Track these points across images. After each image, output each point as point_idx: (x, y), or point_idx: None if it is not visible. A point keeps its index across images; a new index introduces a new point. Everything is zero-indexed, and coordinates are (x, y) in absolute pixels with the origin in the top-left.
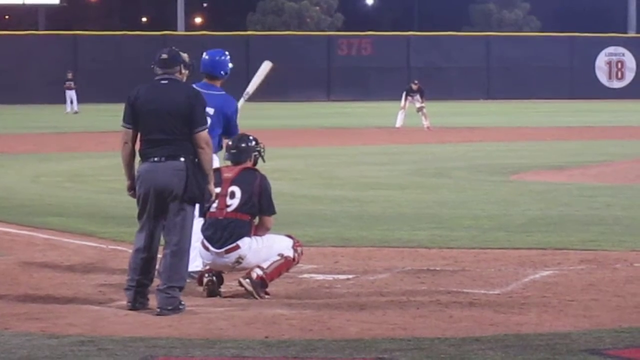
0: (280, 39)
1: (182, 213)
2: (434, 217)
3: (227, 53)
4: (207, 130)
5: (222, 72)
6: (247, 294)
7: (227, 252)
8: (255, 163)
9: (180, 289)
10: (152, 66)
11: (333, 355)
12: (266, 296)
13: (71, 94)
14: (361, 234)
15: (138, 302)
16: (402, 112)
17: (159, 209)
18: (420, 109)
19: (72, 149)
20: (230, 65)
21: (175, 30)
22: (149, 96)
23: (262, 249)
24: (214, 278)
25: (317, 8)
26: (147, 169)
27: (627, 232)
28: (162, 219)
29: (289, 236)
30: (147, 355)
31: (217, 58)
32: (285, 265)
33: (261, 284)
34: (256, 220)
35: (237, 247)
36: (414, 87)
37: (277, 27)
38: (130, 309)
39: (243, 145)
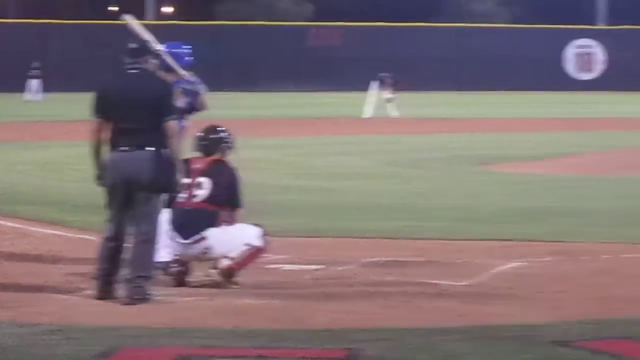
0: (250, 28)
1: (151, 203)
2: (405, 208)
3: (189, 46)
4: (174, 119)
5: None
6: (216, 284)
7: (194, 242)
8: (225, 154)
9: (148, 278)
10: (121, 55)
11: (301, 345)
12: (234, 286)
13: (34, 83)
14: (331, 225)
15: (106, 291)
16: (370, 102)
17: (128, 198)
18: (389, 100)
19: (42, 137)
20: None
21: (145, 19)
22: (119, 85)
23: (229, 239)
24: (182, 268)
25: None
26: (116, 158)
27: (596, 224)
28: (130, 209)
29: (257, 225)
30: (115, 345)
31: (175, 50)
32: (253, 254)
33: (229, 274)
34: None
35: (204, 237)
36: (388, 79)
37: (247, 17)
38: (99, 298)
39: (214, 136)
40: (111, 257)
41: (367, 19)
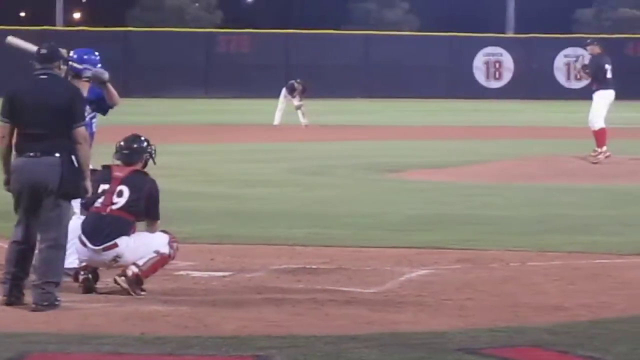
0: (159, 34)
1: (58, 209)
2: (312, 215)
3: (97, 53)
4: (84, 126)
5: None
6: (123, 291)
7: (105, 249)
8: (145, 164)
9: (57, 284)
10: (30, 61)
11: (209, 352)
12: (142, 293)
13: None
14: (238, 232)
15: (14, 295)
16: (280, 109)
17: (34, 204)
18: (298, 107)
19: None
20: (99, 65)
21: (54, 25)
22: (28, 90)
23: (139, 247)
24: (90, 275)
25: (197, 5)
26: (22, 164)
27: (503, 232)
28: (38, 213)
29: (165, 232)
30: (22, 351)
31: (85, 57)
32: (160, 262)
33: (136, 281)
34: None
35: (115, 245)
36: (297, 86)
37: (157, 23)
38: (6, 303)
39: (135, 146)
40: (19, 261)
41: (277, 25)
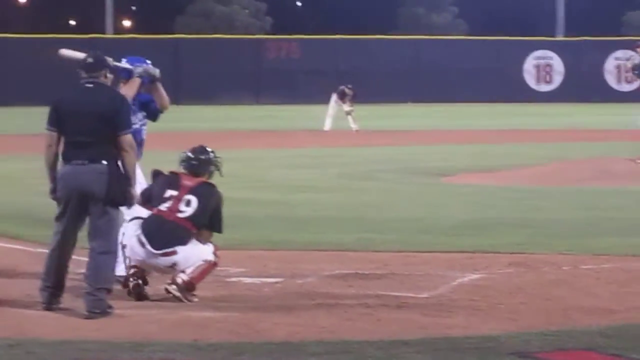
0: (209, 42)
1: (106, 216)
2: (362, 220)
3: (148, 62)
4: (131, 133)
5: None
6: (175, 298)
7: (164, 255)
8: (211, 176)
9: (108, 291)
10: (77, 70)
11: (261, 358)
12: (194, 299)
13: None
14: (289, 237)
15: (53, 303)
16: (330, 115)
17: (80, 212)
18: (349, 112)
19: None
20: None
21: (104, 33)
22: (74, 99)
23: (192, 256)
24: (140, 281)
25: (247, 11)
26: (69, 172)
27: (555, 235)
28: (80, 222)
29: (210, 242)
30: (75, 359)
31: (137, 64)
32: (208, 269)
33: (188, 288)
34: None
35: (175, 252)
36: (348, 91)
37: (206, 30)
38: (45, 309)
39: (203, 157)
40: (58, 268)
41: (326, 31)
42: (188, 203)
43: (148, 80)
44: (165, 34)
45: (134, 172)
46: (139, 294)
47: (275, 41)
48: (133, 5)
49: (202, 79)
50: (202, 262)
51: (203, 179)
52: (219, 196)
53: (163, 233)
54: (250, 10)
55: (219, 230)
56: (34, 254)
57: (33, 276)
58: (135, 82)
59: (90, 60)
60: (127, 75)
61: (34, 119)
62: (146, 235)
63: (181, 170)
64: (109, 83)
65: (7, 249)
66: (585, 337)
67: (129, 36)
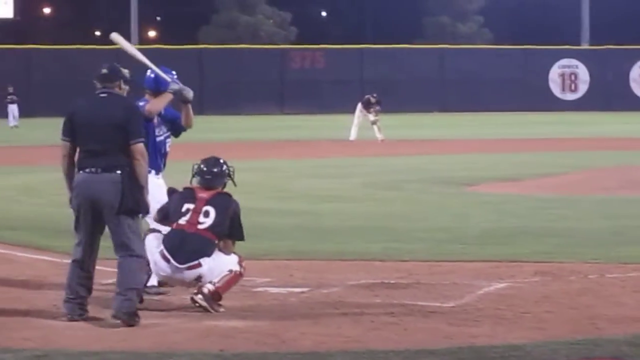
0: (233, 52)
1: (124, 225)
2: (387, 230)
3: (174, 73)
4: (142, 142)
5: (164, 89)
6: (202, 308)
7: (189, 268)
8: (224, 186)
9: (137, 292)
10: (93, 81)
11: None
12: (221, 309)
13: (13, 108)
14: (315, 247)
15: (77, 314)
16: (356, 125)
17: (95, 220)
18: (374, 122)
19: (24, 162)
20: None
21: (129, 43)
22: (87, 108)
23: (216, 267)
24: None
25: (271, 21)
26: (83, 180)
27: (581, 244)
28: (97, 231)
29: (234, 253)
30: None
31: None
32: (234, 279)
33: (214, 298)
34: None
35: (199, 265)
36: (373, 100)
37: (231, 40)
38: (69, 320)
39: (216, 170)
40: (80, 280)
41: (350, 41)
42: (207, 214)
43: (180, 100)
44: (190, 44)
45: (146, 181)
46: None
47: (299, 51)
48: (158, 16)
49: (227, 89)
50: (227, 272)
51: (217, 190)
52: (236, 204)
53: (186, 246)
54: (274, 20)
55: (241, 238)
56: (60, 265)
57: (59, 287)
58: (167, 97)
59: (104, 71)
60: (158, 84)
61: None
62: (169, 250)
63: (194, 183)
64: (124, 94)
65: (33, 259)
66: (611, 346)
67: (154, 46)
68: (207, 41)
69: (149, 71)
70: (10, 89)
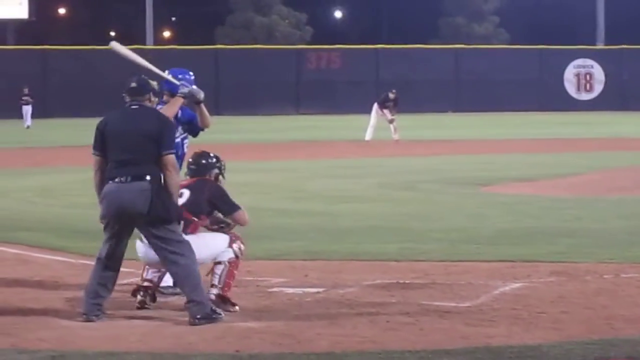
0: (249, 52)
1: (162, 239)
2: (403, 230)
3: (191, 73)
4: (174, 154)
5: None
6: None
7: None
8: (216, 180)
9: (201, 293)
10: (123, 95)
11: None
12: (234, 308)
13: (27, 109)
14: (330, 247)
15: (93, 313)
16: (372, 125)
17: (122, 230)
18: (391, 121)
19: (40, 163)
20: (194, 85)
21: (144, 44)
22: (119, 120)
23: (197, 248)
24: (147, 298)
25: (287, 22)
26: (112, 190)
27: (596, 244)
28: (126, 237)
29: (227, 233)
30: None
31: (180, 76)
32: (231, 270)
33: (223, 301)
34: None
35: None
36: (392, 96)
37: (246, 41)
38: (85, 320)
39: (203, 162)
40: (101, 280)
41: (366, 41)
42: (181, 195)
43: (191, 103)
44: (205, 44)
45: (177, 192)
46: (143, 308)
47: (315, 51)
48: (173, 16)
49: (242, 90)
50: (221, 266)
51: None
52: (213, 185)
53: None
54: (290, 20)
55: (233, 210)
56: (76, 266)
57: (75, 288)
58: (178, 102)
59: (133, 85)
60: (171, 87)
61: (73, 131)
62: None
63: (186, 177)
64: (154, 106)
65: (49, 260)
66: (627, 346)
67: (169, 47)
68: (223, 42)
69: (166, 72)
70: (26, 90)
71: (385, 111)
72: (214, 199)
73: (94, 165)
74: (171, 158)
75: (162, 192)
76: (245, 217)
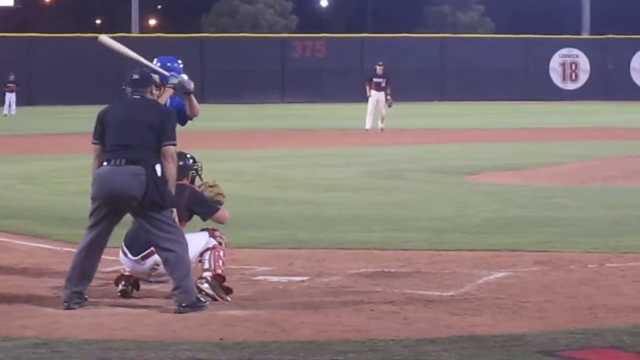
0: (234, 40)
1: (153, 224)
2: (388, 219)
3: (179, 61)
4: (174, 145)
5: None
6: (208, 297)
7: (143, 258)
8: (192, 181)
9: (188, 281)
10: (123, 87)
11: (287, 357)
12: (228, 297)
13: (11, 97)
14: (315, 236)
15: (74, 301)
16: (370, 113)
17: (112, 214)
18: (390, 105)
19: (26, 151)
20: (182, 74)
21: (130, 32)
22: (120, 108)
23: None
24: (129, 287)
25: (272, 10)
26: (105, 172)
27: (581, 234)
28: (112, 225)
29: (204, 229)
30: (101, 358)
31: (169, 64)
32: (216, 253)
33: (220, 282)
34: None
35: (152, 252)
36: (378, 69)
37: (232, 29)
38: (66, 308)
39: (181, 163)
40: (81, 269)
41: (351, 30)
42: None
43: (180, 93)
44: (191, 32)
45: (173, 182)
46: (125, 297)
47: (300, 40)
48: (159, 4)
49: (228, 78)
50: (208, 252)
51: (181, 182)
52: (190, 191)
53: (138, 237)
54: (275, 9)
55: (210, 212)
56: (61, 253)
57: (59, 275)
58: (167, 92)
59: (136, 76)
60: (161, 78)
61: (58, 119)
62: (126, 245)
63: None
64: (155, 99)
65: (33, 247)
66: (611, 336)
67: (154, 35)
68: (208, 30)
69: (155, 60)
70: (11, 77)
71: (379, 96)
72: (193, 205)
73: (93, 152)
74: (170, 150)
75: (157, 178)
76: (226, 214)
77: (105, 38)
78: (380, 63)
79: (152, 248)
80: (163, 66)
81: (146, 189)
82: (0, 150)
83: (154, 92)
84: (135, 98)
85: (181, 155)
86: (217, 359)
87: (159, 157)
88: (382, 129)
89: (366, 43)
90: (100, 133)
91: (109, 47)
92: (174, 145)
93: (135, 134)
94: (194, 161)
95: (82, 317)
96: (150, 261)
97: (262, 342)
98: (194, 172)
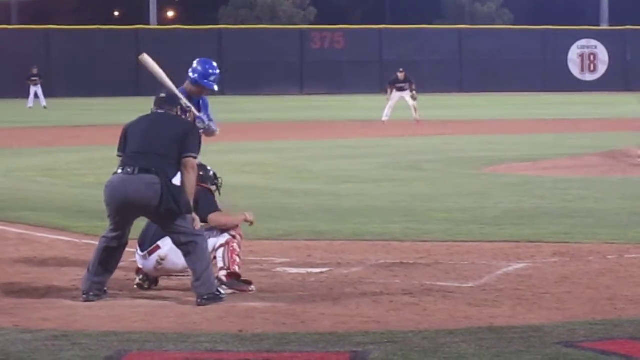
0: (252, 32)
1: (173, 228)
2: (407, 211)
3: (215, 64)
4: (195, 158)
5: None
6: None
7: (150, 253)
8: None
9: (209, 272)
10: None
11: (307, 349)
12: (251, 287)
13: (36, 89)
14: (334, 228)
15: (93, 292)
16: (390, 106)
17: (127, 219)
18: (414, 98)
19: (44, 143)
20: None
21: (148, 24)
22: (143, 121)
23: None
24: (146, 281)
25: (290, 2)
26: (118, 180)
27: (600, 225)
28: (130, 223)
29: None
30: (120, 349)
31: (207, 66)
32: (230, 248)
33: (237, 279)
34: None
35: (157, 247)
36: (400, 76)
37: (250, 20)
38: (85, 300)
39: (201, 173)
40: (102, 260)
41: (370, 21)
42: None
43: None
44: (209, 24)
45: (192, 192)
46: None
47: (319, 31)
48: None
49: (246, 70)
50: (221, 249)
51: None
52: (202, 189)
53: (148, 233)
54: (294, 0)
55: (207, 212)
56: (79, 245)
57: (78, 267)
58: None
59: (162, 95)
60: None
61: (77, 111)
62: (139, 242)
63: None
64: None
65: (52, 240)
66: (630, 326)
67: (172, 27)
68: (226, 22)
69: (195, 62)
70: (35, 70)
71: (402, 94)
72: (205, 196)
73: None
74: (192, 161)
75: (171, 186)
76: (221, 220)
77: (147, 58)
78: (402, 69)
79: (157, 243)
80: (203, 70)
81: (161, 197)
82: (19, 143)
83: (179, 113)
84: (159, 112)
85: (202, 167)
86: (236, 350)
87: (179, 167)
88: (417, 120)
89: (384, 34)
90: (124, 146)
91: (147, 68)
92: (195, 157)
93: (156, 142)
94: (216, 177)
95: (101, 309)
96: (154, 256)
97: (281, 333)
98: (214, 186)
